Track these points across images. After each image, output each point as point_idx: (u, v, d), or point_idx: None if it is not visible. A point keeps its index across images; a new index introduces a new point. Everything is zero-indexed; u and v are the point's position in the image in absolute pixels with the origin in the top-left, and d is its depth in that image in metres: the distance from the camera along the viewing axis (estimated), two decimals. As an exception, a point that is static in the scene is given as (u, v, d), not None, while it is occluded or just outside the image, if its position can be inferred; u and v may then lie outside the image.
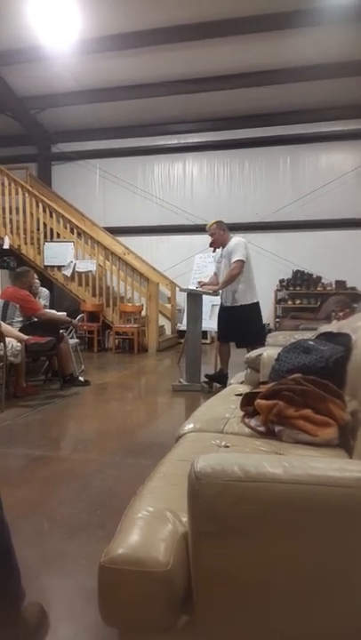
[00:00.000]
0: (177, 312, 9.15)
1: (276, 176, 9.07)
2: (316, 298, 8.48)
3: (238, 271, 4.70)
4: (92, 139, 9.64)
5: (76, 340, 5.88)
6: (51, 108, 8.87)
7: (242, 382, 3.14)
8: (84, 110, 8.88)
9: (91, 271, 8.12)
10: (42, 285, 5.94)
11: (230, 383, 3.43)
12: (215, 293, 4.98)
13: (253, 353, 3.00)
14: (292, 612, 1.07)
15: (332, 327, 2.90)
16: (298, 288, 8.70)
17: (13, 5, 6.15)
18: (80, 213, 9.53)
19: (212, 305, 6.42)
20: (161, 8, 6.30)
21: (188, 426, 2.13)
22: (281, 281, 8.87)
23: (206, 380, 5.03)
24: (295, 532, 1.02)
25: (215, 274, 5.14)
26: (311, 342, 2.36)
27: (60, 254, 8.13)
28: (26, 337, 4.56)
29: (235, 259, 4.71)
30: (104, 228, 9.49)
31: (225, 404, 2.45)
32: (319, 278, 8.71)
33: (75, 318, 5.44)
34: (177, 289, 8.88)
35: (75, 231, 8.27)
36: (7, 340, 4.28)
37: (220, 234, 4.92)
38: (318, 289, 8.57)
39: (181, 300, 8.67)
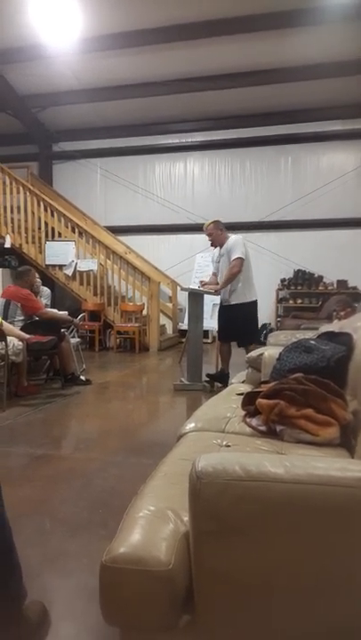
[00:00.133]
0: (178, 311, 9.15)
1: (277, 175, 9.06)
2: (317, 297, 8.47)
3: (238, 269, 4.69)
4: (93, 138, 9.64)
5: (78, 340, 5.89)
6: (52, 107, 8.86)
7: (243, 382, 3.14)
8: (85, 109, 8.88)
9: (92, 270, 8.13)
10: (43, 284, 5.94)
11: (231, 382, 3.43)
12: (216, 293, 4.98)
13: (255, 352, 3.00)
14: (293, 611, 1.07)
15: (334, 327, 2.90)
16: (299, 287, 8.70)
17: (14, 4, 6.14)
18: (81, 212, 9.53)
19: (214, 304, 6.42)
20: (162, 7, 6.29)
21: (190, 425, 2.13)
22: (282, 280, 8.86)
23: (207, 379, 5.03)
24: (296, 532, 1.02)
25: (214, 273, 5.13)
26: (313, 342, 2.36)
27: (62, 253, 8.14)
28: (27, 336, 4.56)
29: (234, 256, 4.70)
30: (105, 227, 9.50)
31: (226, 404, 2.45)
32: (321, 278, 8.71)
33: (76, 317, 5.45)
34: (178, 288, 8.89)
35: (76, 230, 8.27)
36: (9, 338, 4.28)
37: (217, 233, 4.91)
38: (320, 288, 8.56)
39: (183, 299, 8.67)
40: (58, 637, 1.51)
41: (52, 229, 8.31)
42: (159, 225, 9.50)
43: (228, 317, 4.92)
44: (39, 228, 8.30)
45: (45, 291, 5.97)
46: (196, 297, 5.04)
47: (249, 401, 2.15)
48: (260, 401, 2.00)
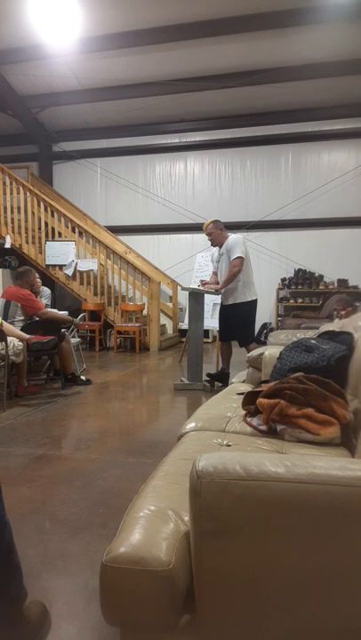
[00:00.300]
0: (178, 311, 9.15)
1: (277, 174, 9.06)
2: (318, 296, 8.47)
3: (239, 268, 4.69)
4: (93, 137, 9.65)
5: (78, 340, 5.88)
6: (52, 107, 8.87)
7: (243, 381, 3.14)
8: (85, 109, 8.89)
9: (92, 270, 8.13)
10: (43, 284, 5.94)
11: (232, 382, 3.43)
12: (217, 292, 4.98)
13: (255, 352, 3.00)
14: (294, 611, 1.06)
15: (335, 326, 2.90)
16: (300, 287, 8.70)
17: (14, 4, 6.15)
18: (81, 212, 9.54)
19: (214, 304, 6.42)
20: (163, 6, 6.29)
21: (190, 425, 2.13)
22: (283, 280, 8.86)
23: (208, 378, 5.03)
24: (297, 531, 1.02)
25: (214, 273, 5.12)
26: (313, 341, 2.35)
27: (62, 253, 8.14)
28: (27, 336, 4.56)
29: (234, 256, 4.70)
30: (105, 226, 9.50)
31: (227, 403, 2.45)
32: (321, 277, 8.71)
33: (76, 317, 5.44)
34: (178, 288, 8.89)
35: (76, 230, 8.27)
36: (9, 339, 4.28)
37: (217, 233, 4.91)
38: (320, 287, 8.56)
39: (183, 299, 8.68)
40: (58, 638, 1.50)
41: (53, 229, 8.32)
42: (159, 225, 9.50)
43: (228, 317, 4.92)
44: (39, 228, 8.30)
45: (46, 291, 5.97)
46: (196, 296, 5.04)
47: (249, 400, 2.15)
48: (261, 400, 1.99)
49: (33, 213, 8.26)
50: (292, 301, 8.70)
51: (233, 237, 4.83)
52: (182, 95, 8.18)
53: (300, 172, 8.94)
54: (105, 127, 9.45)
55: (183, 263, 9.07)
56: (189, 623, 1.11)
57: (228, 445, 1.81)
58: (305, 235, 8.90)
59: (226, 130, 9.07)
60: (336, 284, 8.52)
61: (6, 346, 4.23)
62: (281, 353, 2.44)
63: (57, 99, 8.60)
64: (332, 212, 8.62)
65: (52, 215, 8.31)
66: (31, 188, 8.40)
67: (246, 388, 2.73)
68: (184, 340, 6.36)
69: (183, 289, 5.34)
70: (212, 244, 5.06)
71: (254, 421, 2.03)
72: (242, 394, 2.36)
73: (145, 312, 7.98)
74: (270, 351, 2.81)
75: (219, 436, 1.93)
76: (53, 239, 8.28)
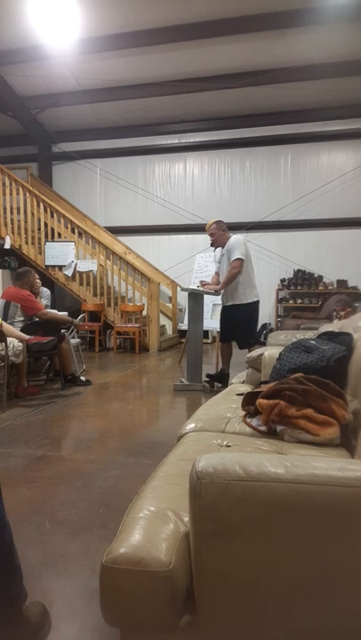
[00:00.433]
0: (178, 312, 9.16)
1: (276, 175, 9.07)
2: (317, 297, 8.47)
3: (238, 270, 4.67)
4: (92, 138, 9.65)
5: (78, 340, 5.89)
6: (51, 108, 8.87)
7: (243, 382, 3.14)
8: (84, 110, 8.90)
9: (92, 271, 8.13)
10: (43, 285, 5.94)
11: (232, 383, 3.43)
12: (217, 293, 4.97)
13: (255, 352, 3.00)
14: (293, 611, 1.06)
15: (334, 326, 2.90)
16: (299, 287, 8.70)
17: (14, 5, 6.15)
18: (81, 213, 9.54)
19: (214, 304, 6.42)
20: (162, 7, 6.30)
21: (190, 425, 2.13)
22: (282, 280, 8.87)
23: (207, 379, 5.03)
24: (297, 532, 1.02)
25: (217, 273, 5.11)
26: (313, 342, 2.36)
27: (61, 254, 8.14)
28: (27, 337, 4.56)
29: (234, 257, 4.68)
30: (105, 227, 9.50)
31: (226, 404, 2.45)
32: (320, 278, 8.71)
33: (76, 318, 5.45)
34: (178, 288, 8.89)
35: (76, 231, 8.27)
36: (8, 339, 4.28)
37: (219, 233, 4.89)
38: (320, 288, 8.56)
39: (182, 299, 8.68)
40: (58, 638, 1.50)
41: (52, 230, 8.32)
42: (159, 225, 9.51)
43: (228, 318, 4.91)
44: (39, 229, 8.30)
45: (45, 291, 5.97)
46: (195, 297, 5.04)
47: (249, 401, 2.15)
48: (261, 401, 2.00)
49: (32, 214, 8.26)
50: (291, 302, 8.70)
51: (234, 238, 4.82)
52: (182, 96, 8.19)
53: (300, 173, 8.95)
54: (104, 128, 9.45)
55: (183, 264, 9.07)
56: (189, 624, 1.11)
57: (228, 446, 1.81)
58: (304, 235, 8.90)
59: (225, 130, 9.07)
60: (335, 285, 8.53)
61: (6, 346, 4.23)
62: (280, 354, 2.44)
63: (56, 99, 8.61)
64: (331, 213, 8.62)
65: (52, 216, 8.31)
66: (31, 188, 8.40)
67: (246, 388, 2.74)
68: (184, 340, 6.36)
69: (183, 289, 5.34)
70: (212, 245, 5.04)
71: (254, 422, 2.03)
72: (241, 394, 2.37)
73: (144, 313, 7.98)
74: (270, 352, 2.81)
75: (218, 437, 1.93)
76: (53, 240, 8.28)
